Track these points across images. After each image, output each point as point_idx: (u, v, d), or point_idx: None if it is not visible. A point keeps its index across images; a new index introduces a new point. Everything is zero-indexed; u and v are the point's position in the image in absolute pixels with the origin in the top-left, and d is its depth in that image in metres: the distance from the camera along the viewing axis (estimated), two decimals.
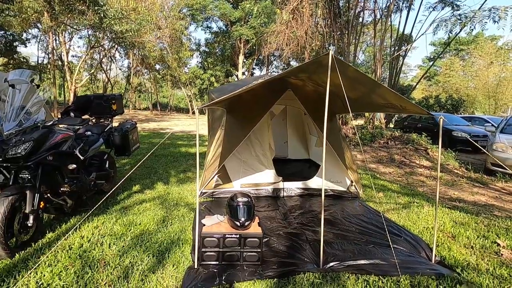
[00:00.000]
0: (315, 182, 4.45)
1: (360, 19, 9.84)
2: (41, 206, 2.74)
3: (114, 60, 29.13)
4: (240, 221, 2.50)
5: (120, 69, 36.91)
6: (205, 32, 32.08)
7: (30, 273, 2.24)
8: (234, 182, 4.29)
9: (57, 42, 22.63)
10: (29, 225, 2.62)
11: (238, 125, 4.13)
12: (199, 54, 34.97)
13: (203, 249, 2.47)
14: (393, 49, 10.49)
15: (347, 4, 9.08)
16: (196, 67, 31.95)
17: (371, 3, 9.48)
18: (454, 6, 9.97)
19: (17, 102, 2.64)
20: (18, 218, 2.54)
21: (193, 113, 33.74)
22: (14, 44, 26.57)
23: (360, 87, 3.05)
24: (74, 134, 3.09)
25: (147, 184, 4.75)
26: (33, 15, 20.40)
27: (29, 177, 2.56)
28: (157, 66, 31.98)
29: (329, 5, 8.59)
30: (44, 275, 2.25)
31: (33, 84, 2.76)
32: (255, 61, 36.34)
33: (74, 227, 2.99)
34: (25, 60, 29.21)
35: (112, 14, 12.58)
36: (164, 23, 20.35)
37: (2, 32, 24.92)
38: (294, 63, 36.73)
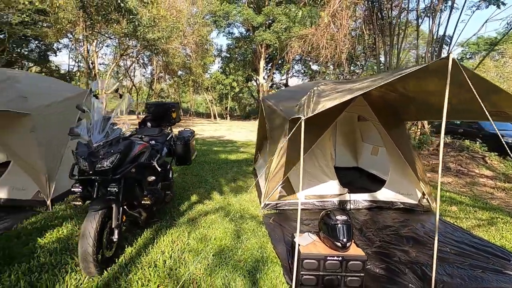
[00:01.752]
0: (383, 195, 4.17)
1: (402, 19, 9.44)
2: (123, 220, 2.64)
3: (145, 67, 29.67)
4: (342, 242, 2.29)
5: (143, 75, 37.90)
6: (226, 38, 32.25)
7: None
8: (298, 194, 4.08)
9: (89, 50, 23.42)
10: (114, 240, 2.53)
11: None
12: (221, 60, 35.29)
13: (301, 272, 2.27)
14: (435, 50, 9.99)
15: (389, 5, 8.74)
16: (218, 72, 32.17)
17: (413, 3, 9.08)
18: (500, 4, 9.41)
19: (102, 113, 2.57)
20: (106, 233, 2.45)
21: (215, 117, 34.04)
22: (47, 54, 27.90)
23: (462, 93, 2.77)
24: (150, 145, 3.01)
25: (202, 193, 4.63)
26: (67, 26, 21.29)
27: (116, 190, 2.47)
28: (179, 72, 32.52)
29: (370, 6, 8.29)
30: None
31: (118, 94, 2.69)
32: (275, 66, 36.33)
33: (153, 242, 2.88)
34: (57, 69, 30.54)
35: (145, 22, 12.84)
36: (189, 30, 20.65)
37: (36, 42, 26.26)
38: (315, 67, 36.41)
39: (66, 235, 3.04)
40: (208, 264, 2.58)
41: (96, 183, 2.56)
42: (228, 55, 34.57)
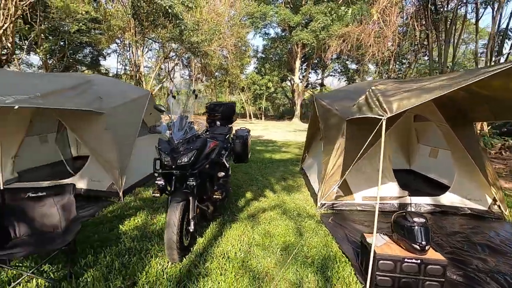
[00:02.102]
0: (447, 199, 3.95)
1: (461, 13, 8.79)
2: (197, 212, 2.82)
3: (188, 68, 30.84)
4: (420, 245, 2.23)
5: (182, 77, 39.53)
6: (263, 39, 32.42)
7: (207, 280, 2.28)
8: (355, 194, 4.03)
9: (137, 55, 24.94)
10: (190, 230, 2.71)
11: (360, 134, 3.87)
12: (256, 60, 35.58)
13: (376, 273, 2.26)
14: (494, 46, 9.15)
15: None
16: (254, 73, 32.50)
17: None
18: None
19: (180, 112, 2.78)
20: (184, 223, 2.64)
21: (250, 117, 34.47)
22: (98, 58, 30.33)
23: None
24: (219, 142, 3.18)
25: (255, 191, 4.75)
26: (118, 32, 22.84)
27: (194, 184, 2.65)
28: (216, 73, 33.39)
29: (424, 0, 7.83)
30: (220, 284, 2.27)
31: (194, 94, 2.89)
32: (311, 66, 35.82)
33: (220, 234, 3.05)
34: (106, 72, 33.02)
35: (190, 26, 13.43)
36: (228, 32, 21.18)
37: (89, 48, 28.68)
38: (353, 66, 35.20)
39: (142, 223, 3.32)
40: (277, 259, 2.66)
41: (174, 177, 2.77)
42: (264, 56, 34.74)
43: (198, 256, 2.66)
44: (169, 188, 2.74)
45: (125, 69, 31.04)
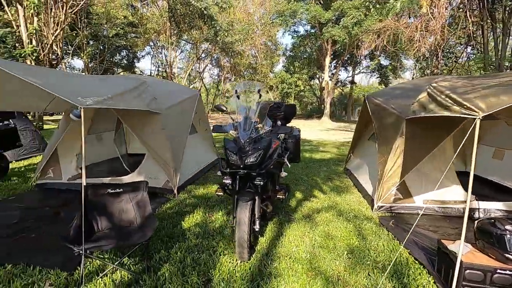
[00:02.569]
0: None
1: None
2: (261, 212, 2.83)
3: (219, 68, 31.42)
4: None
5: (211, 77, 40.29)
6: (292, 37, 32.03)
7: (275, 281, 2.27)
8: (415, 197, 3.83)
9: (169, 56, 25.80)
10: (256, 229, 2.72)
11: (423, 134, 3.66)
12: (285, 59, 35.26)
13: (462, 282, 2.11)
14: None
15: None
16: (283, 71, 32.22)
17: None
18: None
19: (248, 112, 2.80)
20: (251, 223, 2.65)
21: None
22: (134, 61, 31.80)
23: None
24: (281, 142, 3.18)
25: (304, 191, 4.69)
26: (153, 35, 23.70)
27: (261, 184, 2.66)
28: (244, 72, 33.57)
29: None
30: (293, 285, 2.25)
31: (259, 94, 2.90)
32: (341, 63, 34.89)
33: (280, 234, 3.03)
34: (141, 73, 34.46)
35: (224, 27, 13.64)
36: (259, 32, 21.24)
37: (125, 51, 30.17)
38: (385, 62, 33.75)
39: (201, 221, 3.40)
40: (345, 262, 2.59)
41: (239, 177, 2.78)
42: (293, 54, 34.33)
43: (264, 256, 2.66)
44: (230, 187, 2.78)
45: (158, 70, 32.25)
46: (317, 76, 37.11)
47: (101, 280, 2.22)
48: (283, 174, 3.08)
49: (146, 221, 2.54)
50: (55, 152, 4.62)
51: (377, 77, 36.95)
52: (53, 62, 13.48)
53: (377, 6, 12.08)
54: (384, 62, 35.10)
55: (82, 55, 22.36)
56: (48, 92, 2.81)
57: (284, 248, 2.81)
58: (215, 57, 28.87)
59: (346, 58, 34.01)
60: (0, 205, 3.88)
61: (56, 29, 12.85)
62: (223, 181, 2.70)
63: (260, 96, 2.91)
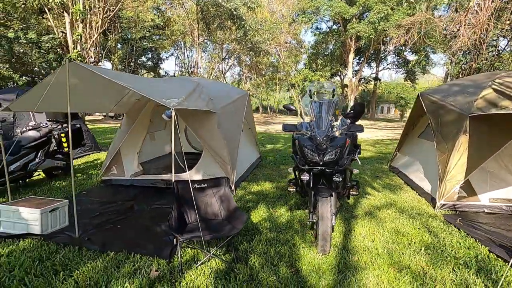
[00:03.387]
0: None
1: None
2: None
3: (241, 68, 31.73)
4: None
5: (232, 76, 40.72)
6: (314, 34, 31.74)
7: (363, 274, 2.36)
8: (480, 196, 3.78)
9: (194, 57, 26.28)
10: (333, 224, 2.81)
11: (489, 131, 3.60)
12: (307, 57, 34.96)
13: None
14: None
15: None
16: (306, 69, 31.94)
17: None
18: None
19: (323, 111, 2.90)
20: None
21: (301, 115, 34.16)
22: (158, 62, 32.74)
23: None
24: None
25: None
26: (179, 36, 24.21)
27: (340, 180, 2.76)
28: (265, 71, 33.55)
29: None
30: (381, 277, 2.33)
31: (334, 94, 2.99)
32: (366, 59, 34.17)
33: (350, 230, 3.11)
34: (165, 74, 35.36)
35: (254, 26, 13.79)
36: (284, 30, 21.24)
37: (151, 53, 31.11)
38: (411, 58, 32.64)
39: (267, 216, 3.54)
40: (425, 258, 2.64)
41: (312, 174, 2.89)
42: (315, 51, 33.97)
43: (341, 250, 2.76)
44: (306, 184, 2.89)
45: (181, 71, 33.00)
46: (338, 73, 36.55)
47: (200, 268, 2.41)
48: (355, 171, 3.16)
49: (233, 214, 2.71)
50: (118, 150, 4.94)
51: (403, 73, 35.88)
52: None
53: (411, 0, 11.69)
54: (410, 57, 34.07)
55: (113, 57, 23.35)
56: (117, 94, 3.06)
57: (358, 242, 2.89)
58: (237, 56, 29.17)
59: (369, 54, 33.30)
60: (76, 199, 4.21)
61: (93, 34, 13.56)
62: (301, 177, 2.82)
63: (334, 95, 3.00)
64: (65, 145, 5.00)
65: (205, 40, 18.86)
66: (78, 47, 10.81)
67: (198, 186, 2.83)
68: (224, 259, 2.56)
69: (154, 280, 2.27)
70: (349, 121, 3.39)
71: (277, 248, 2.74)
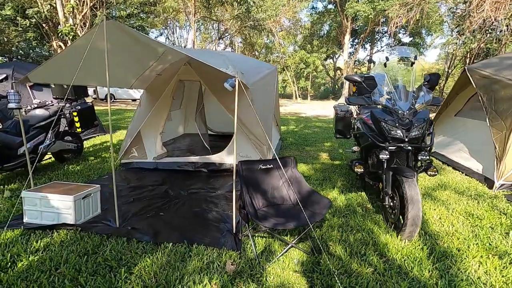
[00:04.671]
0: None
1: None
2: None
3: (232, 48, 30.65)
4: None
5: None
6: (310, 14, 30.84)
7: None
8: None
9: (194, 35, 25.05)
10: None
11: None
12: (302, 38, 34.09)
13: None
14: None
15: None
16: (303, 51, 31.19)
17: None
18: None
19: (405, 82, 2.54)
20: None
21: (296, 97, 33.69)
22: None
23: None
24: None
25: None
26: (172, 13, 22.95)
27: (427, 159, 2.46)
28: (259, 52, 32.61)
29: None
30: (483, 264, 2.09)
31: (414, 61, 2.62)
32: (363, 40, 33.66)
33: None
34: None
35: (257, 2, 13.03)
36: (285, 8, 20.37)
37: (141, 31, 29.51)
38: (406, 40, 32.43)
39: None
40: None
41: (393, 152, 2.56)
42: (311, 32, 33.12)
43: (423, 235, 2.50)
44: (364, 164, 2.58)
45: None
46: (331, 56, 35.96)
47: (281, 260, 2.09)
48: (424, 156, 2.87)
49: (309, 198, 2.38)
50: (138, 132, 4.47)
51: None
52: None
53: None
54: (405, 39, 33.83)
55: None
56: (140, 67, 2.60)
57: (437, 227, 2.64)
58: (233, 36, 28.03)
59: (366, 36, 32.81)
60: (99, 183, 3.77)
61: (83, 10, 12.49)
62: (380, 156, 2.49)
63: (412, 63, 2.63)
64: (77, 125, 4.48)
65: (203, 18, 17.80)
66: (71, 21, 9.88)
67: (263, 167, 2.47)
68: (303, 249, 2.25)
69: (234, 275, 1.94)
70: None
71: (355, 235, 2.46)
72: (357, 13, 24.75)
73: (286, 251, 2.15)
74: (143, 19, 24.12)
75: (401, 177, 2.39)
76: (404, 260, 2.13)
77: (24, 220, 2.72)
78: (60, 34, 9.35)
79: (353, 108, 4.07)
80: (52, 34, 13.56)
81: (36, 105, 4.53)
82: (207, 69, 4.26)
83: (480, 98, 4.15)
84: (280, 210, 2.35)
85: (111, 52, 3.06)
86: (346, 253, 2.20)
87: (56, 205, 2.66)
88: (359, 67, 39.37)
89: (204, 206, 3.07)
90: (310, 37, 32.91)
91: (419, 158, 2.45)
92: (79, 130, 4.51)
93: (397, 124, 2.41)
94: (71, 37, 9.77)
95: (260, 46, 30.25)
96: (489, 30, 10.90)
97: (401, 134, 2.39)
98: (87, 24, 11.70)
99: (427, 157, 2.44)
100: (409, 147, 2.46)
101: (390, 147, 2.45)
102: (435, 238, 2.45)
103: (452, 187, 3.72)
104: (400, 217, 2.43)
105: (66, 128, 4.63)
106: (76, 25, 9.76)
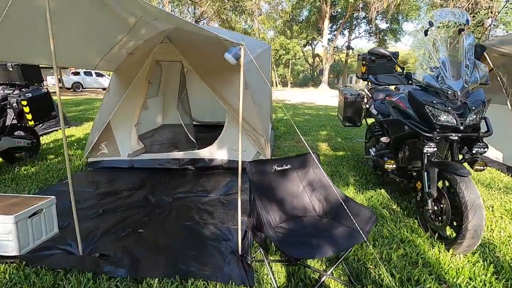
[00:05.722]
0: None
1: None
2: None
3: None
4: None
5: None
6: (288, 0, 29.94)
7: None
8: None
9: None
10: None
11: None
12: (282, 23, 33.14)
13: None
14: None
15: None
16: (283, 36, 30.34)
17: None
18: None
19: (459, 54, 1.98)
20: None
21: (276, 85, 33.03)
22: None
23: None
24: None
25: None
26: None
27: (486, 151, 1.95)
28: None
29: None
30: None
31: (461, 29, 2.05)
32: (342, 26, 33.37)
33: None
34: None
35: None
36: None
37: None
38: (383, 26, 32.56)
39: None
40: None
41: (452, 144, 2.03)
42: (291, 17, 32.26)
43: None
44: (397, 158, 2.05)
45: None
46: (310, 42, 35.44)
47: None
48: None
49: (339, 208, 1.79)
50: (107, 123, 3.67)
51: (374, 42, 35.87)
52: None
53: None
54: (382, 26, 34.01)
55: None
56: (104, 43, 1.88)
57: (484, 232, 2.18)
58: (209, 19, 26.57)
59: (344, 21, 32.53)
60: (58, 190, 2.98)
61: None
62: (425, 149, 1.95)
63: (461, 30, 2.07)
64: (29, 116, 3.59)
65: None
66: None
67: (279, 168, 1.85)
68: (339, 278, 1.68)
69: None
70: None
71: (396, 251, 1.93)
72: None
73: (320, 286, 1.58)
74: None
75: (452, 176, 1.88)
76: (471, 286, 1.63)
77: None
78: None
79: (365, 92, 3.53)
80: None
81: None
82: (192, 46, 3.52)
83: (499, 78, 3.75)
84: (304, 226, 1.76)
85: (63, 17, 2.26)
86: (395, 280, 1.66)
87: None
88: (337, 54, 39.28)
89: (196, 217, 2.42)
90: (289, 22, 32.08)
91: (475, 151, 1.95)
92: (31, 123, 3.63)
93: (449, 108, 1.87)
94: None
95: (239, 31, 29.03)
96: (473, 14, 10.76)
97: (455, 120, 1.87)
98: None
99: (486, 149, 1.94)
100: (456, 137, 1.94)
101: (438, 137, 1.92)
102: (491, 248, 1.99)
103: (474, 179, 3.32)
104: (447, 224, 1.93)
105: (15, 121, 3.72)
106: None
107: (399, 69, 3.46)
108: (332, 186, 1.84)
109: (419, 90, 2.09)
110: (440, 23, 2.09)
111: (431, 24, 2.06)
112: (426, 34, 2.09)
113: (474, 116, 1.88)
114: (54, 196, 2.24)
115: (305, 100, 14.64)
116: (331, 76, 43.81)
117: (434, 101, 1.92)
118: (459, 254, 1.88)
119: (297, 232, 1.69)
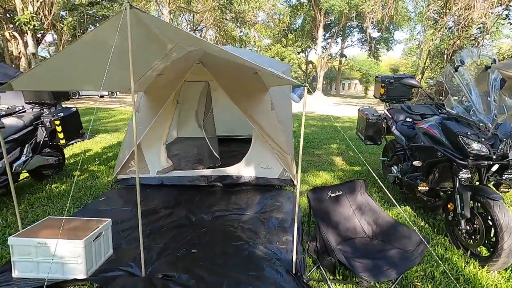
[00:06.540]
0: None
1: None
2: None
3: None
4: None
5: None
6: (284, 8, 30.46)
7: None
8: None
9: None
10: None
11: None
12: (277, 32, 33.63)
13: None
14: None
15: None
16: (278, 45, 30.83)
17: None
18: None
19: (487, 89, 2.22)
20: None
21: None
22: None
23: None
24: None
25: None
26: (142, 3, 21.23)
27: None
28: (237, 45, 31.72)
29: None
30: None
31: (487, 67, 2.30)
32: (336, 35, 34.12)
33: None
34: None
35: None
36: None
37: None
38: (375, 34, 33.47)
39: None
40: None
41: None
42: (286, 26, 32.83)
43: None
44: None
45: None
46: (303, 49, 36.07)
47: None
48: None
49: (390, 231, 1.99)
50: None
51: (366, 51, 36.74)
52: (38, 35, 11.56)
53: None
54: (374, 35, 34.90)
55: (61, 25, 19.76)
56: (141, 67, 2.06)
57: None
58: (200, 28, 26.76)
59: (338, 30, 33.29)
60: (96, 210, 3.09)
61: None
62: (460, 175, 2.18)
63: (488, 68, 2.32)
64: (60, 135, 3.69)
65: (179, 8, 16.55)
66: (30, 8, 8.51)
67: (333, 194, 2.03)
68: None
69: None
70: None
71: (437, 268, 2.12)
72: (332, 7, 24.88)
73: None
74: (107, 7, 22.16)
75: (485, 200, 2.09)
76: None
77: (14, 275, 2.05)
78: (17, 23, 7.99)
79: (385, 113, 3.77)
80: (3, 21, 11.74)
81: (3, 112, 3.68)
82: (222, 68, 3.69)
83: None
84: (358, 247, 1.94)
85: (119, 49, 2.41)
86: None
87: (60, 253, 2.01)
88: (331, 61, 40.03)
89: (243, 236, 2.57)
90: (285, 30, 32.66)
91: (505, 177, 2.18)
92: (62, 142, 3.72)
93: (482, 139, 2.10)
94: (31, 27, 8.44)
95: (235, 39, 29.39)
96: (465, 28, 11.30)
97: (487, 150, 2.09)
98: (52, 11, 10.25)
99: None
100: (502, 164, 2.17)
101: (472, 165, 2.14)
102: None
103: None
104: (481, 243, 2.15)
105: (46, 139, 3.80)
106: (38, 14, 8.27)
107: (413, 90, 3.73)
108: (381, 211, 2.03)
109: (452, 121, 2.31)
110: (471, 59, 2.32)
111: (462, 62, 2.30)
112: (456, 70, 2.33)
113: (504, 146, 2.11)
114: (110, 219, 2.36)
115: (306, 110, 14.89)
116: (324, 83, 44.50)
117: (468, 132, 2.14)
118: (494, 271, 2.08)
119: (354, 254, 1.87)
